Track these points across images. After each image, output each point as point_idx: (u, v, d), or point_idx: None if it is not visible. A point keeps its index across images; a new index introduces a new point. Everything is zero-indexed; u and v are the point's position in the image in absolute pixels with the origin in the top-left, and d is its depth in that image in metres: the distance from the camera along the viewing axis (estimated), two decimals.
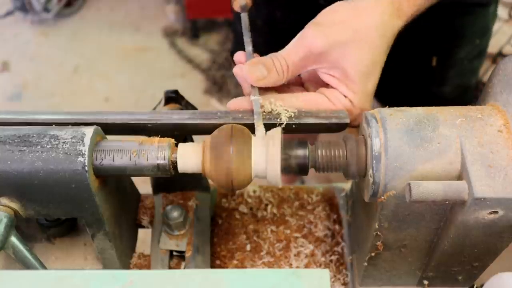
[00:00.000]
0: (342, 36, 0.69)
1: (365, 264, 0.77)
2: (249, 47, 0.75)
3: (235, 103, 0.73)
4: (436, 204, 0.64)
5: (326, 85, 0.74)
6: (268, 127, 0.68)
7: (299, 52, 0.70)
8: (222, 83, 2.66)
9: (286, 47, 0.71)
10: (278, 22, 1.24)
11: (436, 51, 1.21)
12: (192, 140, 0.81)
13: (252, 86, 0.71)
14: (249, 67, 0.71)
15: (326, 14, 0.71)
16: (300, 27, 0.72)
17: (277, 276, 0.50)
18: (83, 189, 0.64)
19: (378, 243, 0.71)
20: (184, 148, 0.66)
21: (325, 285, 0.49)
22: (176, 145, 0.67)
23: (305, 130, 0.72)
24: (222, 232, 0.94)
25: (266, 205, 0.96)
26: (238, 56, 0.76)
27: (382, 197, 0.63)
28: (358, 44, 0.69)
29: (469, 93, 1.30)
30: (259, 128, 0.68)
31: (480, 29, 1.20)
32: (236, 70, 0.74)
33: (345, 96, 0.72)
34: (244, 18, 0.78)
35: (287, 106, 0.71)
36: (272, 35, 1.16)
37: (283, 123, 0.70)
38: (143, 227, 0.91)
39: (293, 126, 0.71)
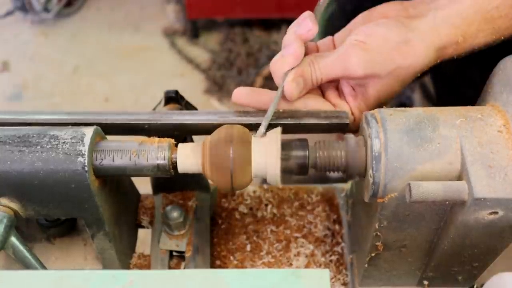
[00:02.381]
0: (383, 70, 0.69)
1: (365, 264, 0.77)
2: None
3: (246, 97, 0.71)
4: (436, 204, 0.64)
5: (338, 91, 0.75)
6: (268, 127, 0.67)
7: (337, 71, 0.69)
8: (222, 83, 2.65)
9: (325, 60, 0.70)
10: None
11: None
12: (192, 140, 0.81)
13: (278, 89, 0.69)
14: (292, 84, 0.68)
15: (374, 37, 0.69)
16: None
17: (277, 276, 0.50)
18: (83, 189, 0.64)
19: (378, 243, 0.71)
20: (184, 148, 0.66)
21: (325, 285, 0.49)
22: (176, 145, 0.67)
23: (305, 130, 0.72)
24: (222, 232, 0.93)
25: (266, 205, 0.96)
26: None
27: (384, 199, 0.63)
28: (393, 79, 0.70)
29: None
30: (260, 128, 0.67)
31: None
32: (278, 71, 0.69)
33: (352, 114, 0.73)
34: None
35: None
36: None
37: (283, 123, 0.70)
38: (143, 227, 0.91)
39: (293, 126, 0.71)
